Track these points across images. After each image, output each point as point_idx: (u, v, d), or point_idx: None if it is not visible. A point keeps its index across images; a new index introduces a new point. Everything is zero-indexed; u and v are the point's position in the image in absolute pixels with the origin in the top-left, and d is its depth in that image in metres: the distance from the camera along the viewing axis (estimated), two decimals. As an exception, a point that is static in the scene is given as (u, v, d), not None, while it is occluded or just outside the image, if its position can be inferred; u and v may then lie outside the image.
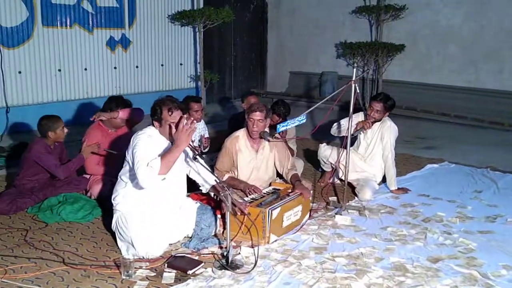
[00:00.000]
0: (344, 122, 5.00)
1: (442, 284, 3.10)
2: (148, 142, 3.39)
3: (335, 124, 5.12)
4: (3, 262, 3.32)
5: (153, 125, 3.52)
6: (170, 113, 3.42)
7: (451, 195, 4.84)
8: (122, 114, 4.63)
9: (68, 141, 6.29)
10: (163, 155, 3.31)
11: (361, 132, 4.95)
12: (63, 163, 4.55)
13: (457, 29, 9.02)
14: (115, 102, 4.69)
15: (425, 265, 3.36)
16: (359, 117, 5.00)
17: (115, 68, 8.61)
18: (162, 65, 9.33)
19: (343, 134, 4.90)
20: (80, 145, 4.70)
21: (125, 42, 8.69)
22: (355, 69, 4.26)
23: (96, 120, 4.60)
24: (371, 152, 5.02)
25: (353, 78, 4.15)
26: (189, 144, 3.44)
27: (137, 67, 8.93)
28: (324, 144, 5.19)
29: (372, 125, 4.86)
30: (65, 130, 4.47)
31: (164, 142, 3.49)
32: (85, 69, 8.18)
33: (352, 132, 4.52)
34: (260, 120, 4.07)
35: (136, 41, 8.84)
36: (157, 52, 9.19)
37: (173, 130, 3.39)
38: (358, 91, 4.20)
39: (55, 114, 4.50)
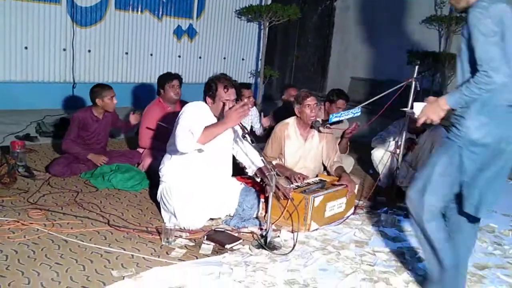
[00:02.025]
0: (384, 134, 4.82)
1: (486, 290, 2.97)
2: (196, 113, 3.43)
3: (375, 138, 4.91)
4: (52, 217, 3.47)
5: (205, 101, 3.56)
6: (225, 90, 3.44)
7: (507, 209, 4.60)
8: None
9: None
10: (207, 126, 3.34)
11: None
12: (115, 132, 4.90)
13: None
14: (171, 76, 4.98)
15: (469, 271, 3.20)
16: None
17: (179, 56, 8.82)
18: (224, 58, 9.47)
19: (389, 148, 4.70)
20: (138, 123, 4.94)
21: (191, 33, 8.88)
22: (416, 67, 4.15)
23: None
24: (420, 160, 4.73)
25: (414, 75, 4.05)
26: (239, 124, 3.46)
27: (200, 57, 9.11)
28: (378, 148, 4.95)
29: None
30: (115, 100, 4.61)
31: (212, 119, 3.51)
32: (151, 55, 8.44)
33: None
34: (316, 104, 4.06)
35: (202, 33, 9.02)
36: (221, 45, 9.34)
37: (226, 107, 3.41)
38: (418, 89, 4.08)
39: (108, 84, 4.69)
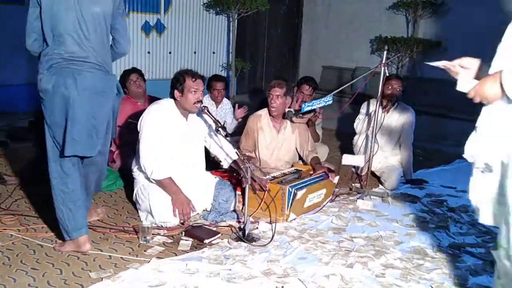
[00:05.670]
0: (360, 116, 4.86)
1: (462, 269, 3.02)
2: (156, 126, 3.42)
3: (355, 124, 4.89)
4: (26, 222, 3.40)
5: (172, 96, 3.53)
6: (193, 79, 3.44)
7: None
8: None
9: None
10: (166, 182, 3.41)
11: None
12: None
13: (496, 29, 8.73)
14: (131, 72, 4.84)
15: (446, 251, 3.28)
16: (371, 104, 4.79)
17: (148, 52, 8.69)
18: (195, 52, 9.38)
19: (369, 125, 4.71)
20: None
21: (159, 28, 8.77)
22: (385, 52, 4.19)
23: None
24: (393, 141, 4.77)
25: (383, 61, 4.09)
26: (212, 117, 3.45)
27: (170, 53, 9.00)
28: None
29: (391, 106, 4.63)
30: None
31: (178, 117, 3.51)
32: (119, 52, 8.29)
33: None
34: (279, 96, 4.03)
35: (171, 27, 8.91)
36: (191, 39, 9.24)
37: (191, 96, 3.43)
38: (387, 74, 4.12)
39: None
